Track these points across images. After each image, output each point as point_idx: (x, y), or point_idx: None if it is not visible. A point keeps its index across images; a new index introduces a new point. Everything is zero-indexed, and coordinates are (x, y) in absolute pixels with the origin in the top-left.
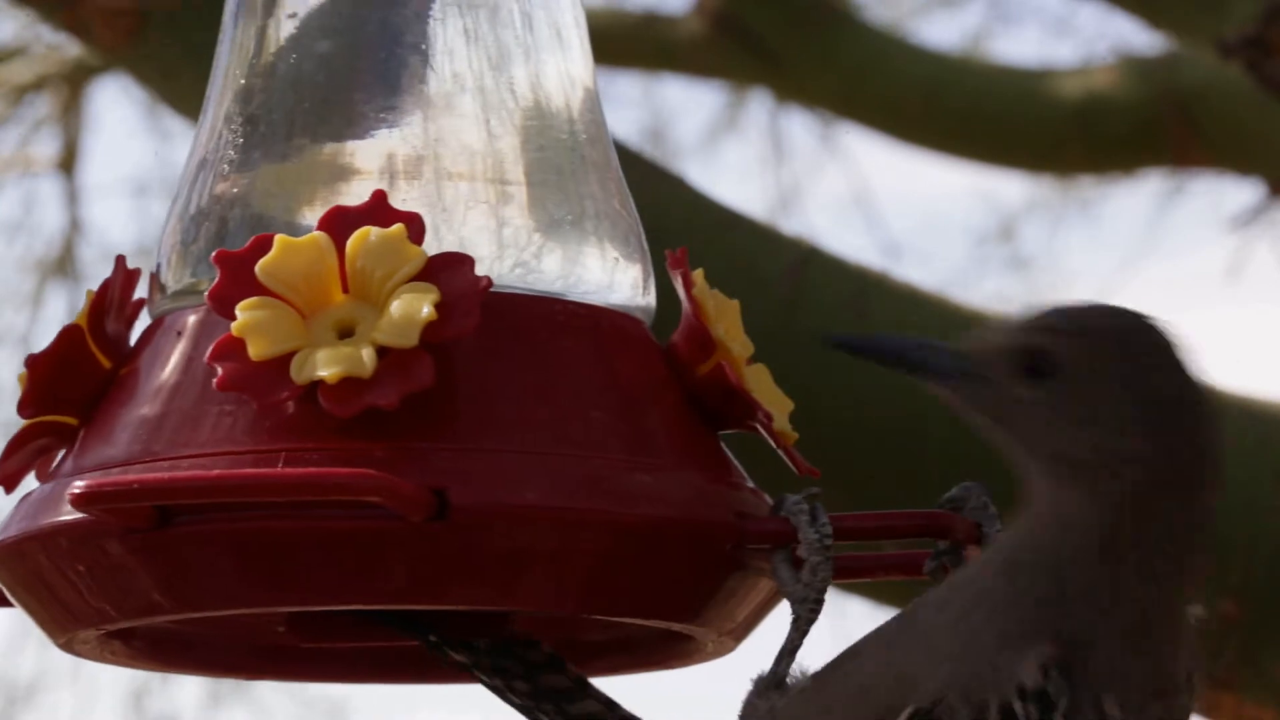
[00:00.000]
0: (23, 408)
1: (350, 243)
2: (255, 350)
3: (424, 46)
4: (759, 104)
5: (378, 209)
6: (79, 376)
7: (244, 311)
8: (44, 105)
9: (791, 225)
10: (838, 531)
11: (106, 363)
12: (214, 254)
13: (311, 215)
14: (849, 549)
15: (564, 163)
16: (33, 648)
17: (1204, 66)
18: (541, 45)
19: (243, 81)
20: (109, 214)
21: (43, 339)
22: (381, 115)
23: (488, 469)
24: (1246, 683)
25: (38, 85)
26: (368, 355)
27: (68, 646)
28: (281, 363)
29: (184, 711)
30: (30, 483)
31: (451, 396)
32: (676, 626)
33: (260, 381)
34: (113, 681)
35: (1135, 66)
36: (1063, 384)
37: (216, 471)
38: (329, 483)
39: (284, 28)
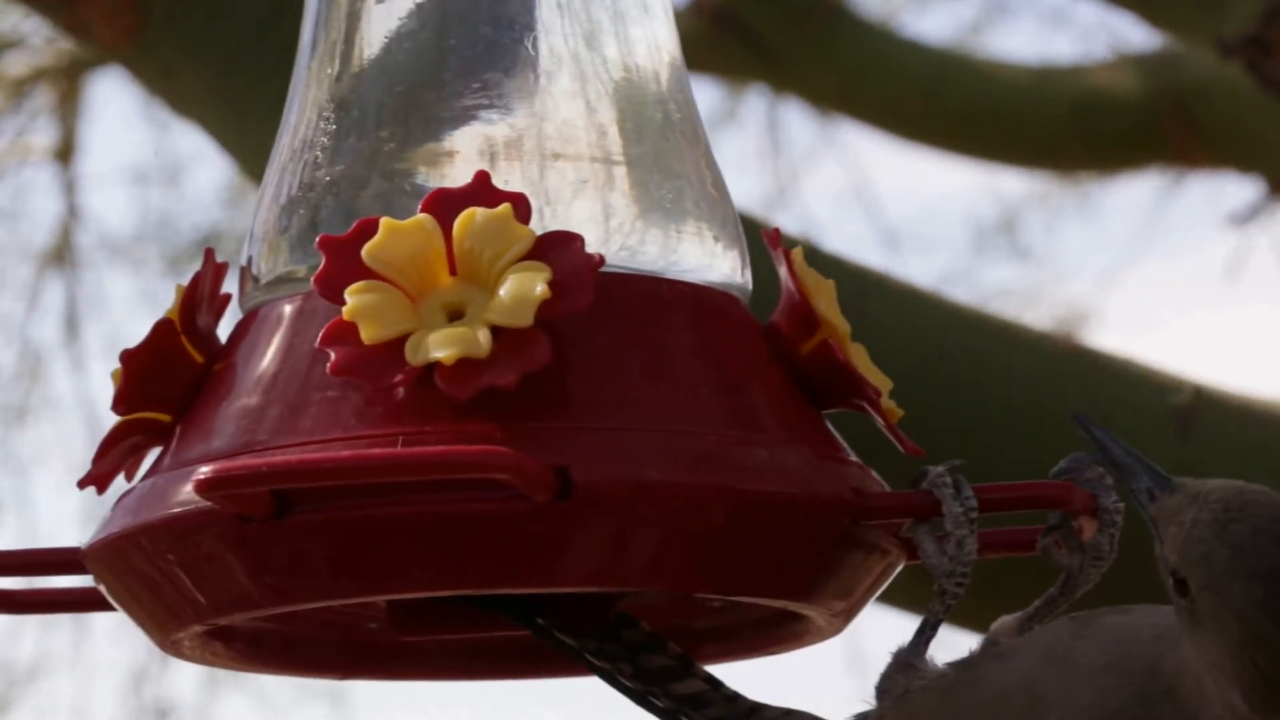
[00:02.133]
0: (118, 404)
1: (457, 224)
2: (368, 334)
3: (516, 23)
4: (757, 99)
5: (481, 190)
6: (172, 372)
7: (353, 295)
8: (42, 95)
9: (789, 221)
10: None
11: (199, 357)
12: (318, 239)
13: (408, 200)
14: None
15: (661, 141)
16: (31, 633)
17: (1204, 65)
18: (630, 16)
19: (332, 67)
20: (107, 203)
21: (41, 328)
22: (476, 96)
23: (608, 447)
24: None
25: (36, 75)
26: (483, 336)
27: (169, 647)
28: (394, 346)
29: (183, 697)
30: (120, 484)
31: (565, 376)
32: (793, 606)
33: (375, 365)
34: (112, 667)
35: (1135, 64)
36: (1191, 609)
37: (347, 452)
38: (462, 461)
39: (374, 12)
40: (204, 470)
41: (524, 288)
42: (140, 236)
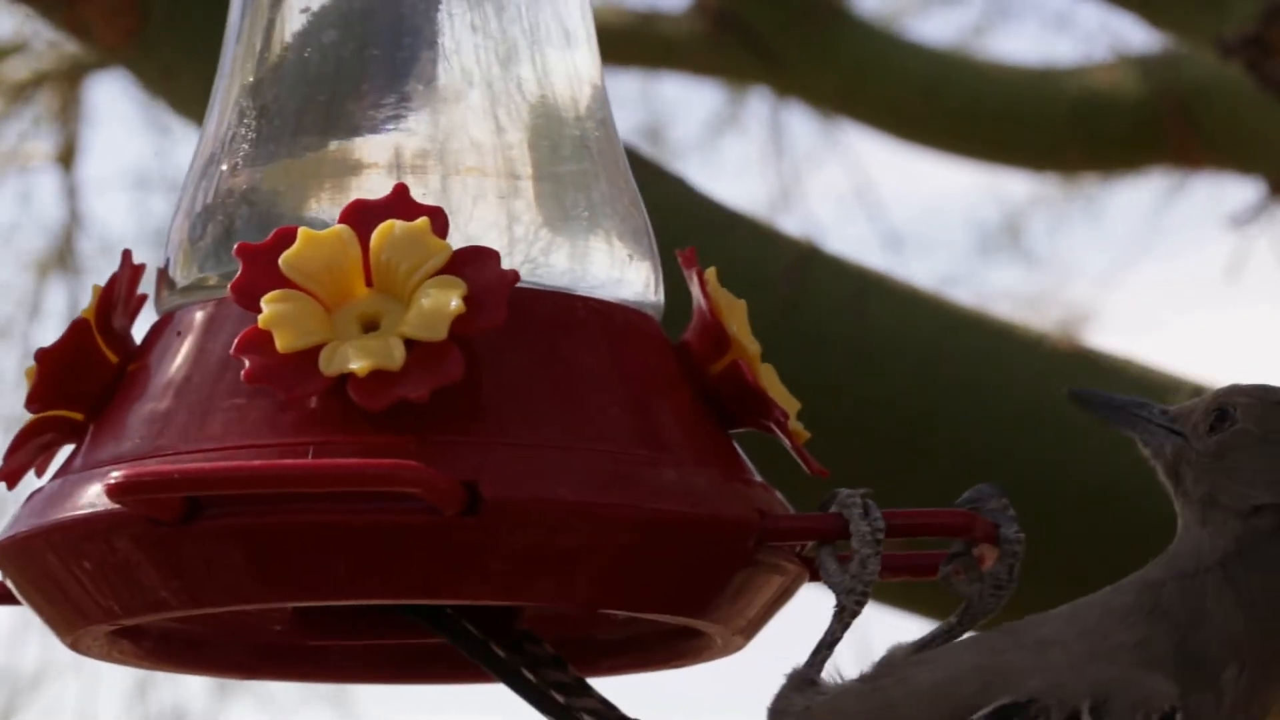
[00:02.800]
0: (31, 402)
1: (375, 236)
2: (283, 342)
3: (432, 40)
4: (759, 101)
5: (399, 202)
6: (87, 371)
7: (270, 304)
8: (43, 100)
9: (792, 222)
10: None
11: (113, 358)
12: (236, 247)
13: (319, 210)
14: None
15: (572, 159)
16: (36, 641)
17: (1204, 66)
18: (549, 40)
19: (250, 76)
20: (108, 208)
21: (43, 334)
22: (390, 110)
23: (517, 463)
24: None
25: (37, 80)
26: (397, 348)
27: (76, 645)
28: (309, 355)
29: (190, 705)
30: (30, 480)
31: (476, 390)
32: (695, 623)
33: (288, 374)
34: (117, 676)
35: (1135, 65)
36: (1229, 436)
37: (260, 461)
38: (372, 473)
39: (293, 21)
40: (115, 474)
41: (439, 302)
42: (142, 242)
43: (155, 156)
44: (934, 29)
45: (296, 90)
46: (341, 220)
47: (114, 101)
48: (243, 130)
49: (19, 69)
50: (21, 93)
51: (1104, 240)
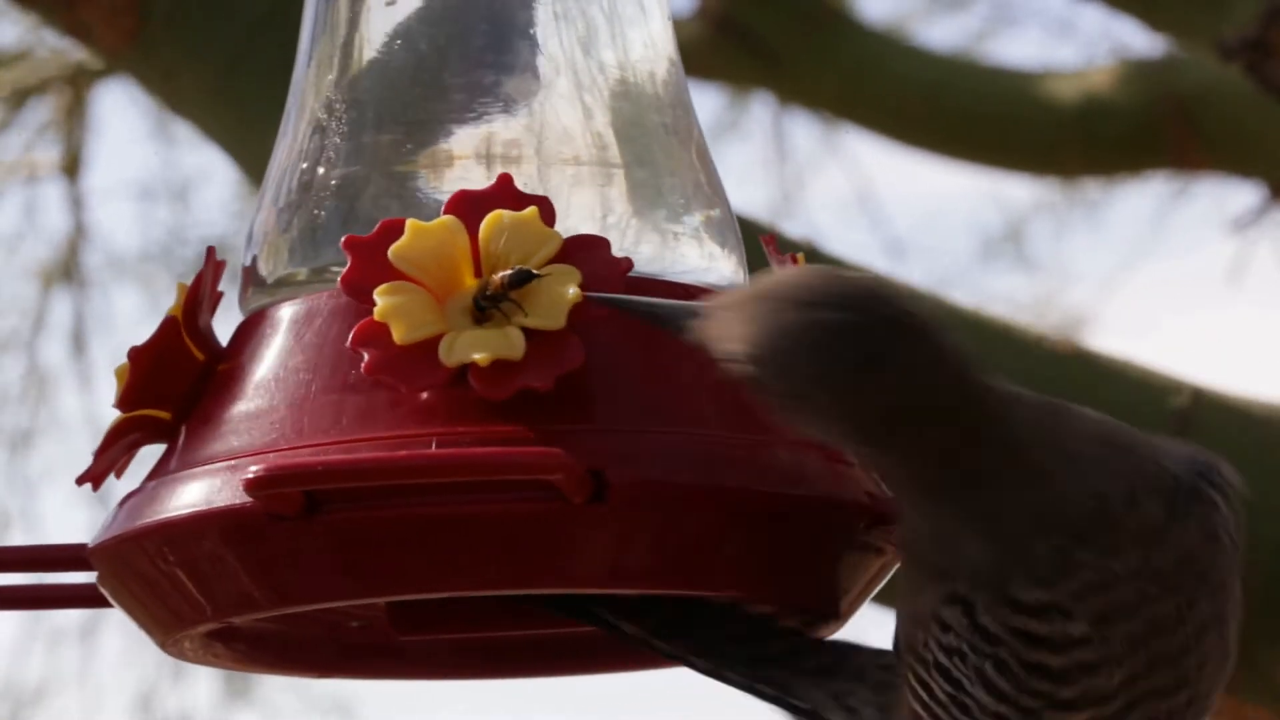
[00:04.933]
0: (123, 401)
1: (484, 226)
2: (400, 335)
3: (517, 27)
4: (761, 106)
5: (504, 192)
6: (175, 370)
7: (383, 296)
8: (47, 110)
9: (795, 228)
10: None
11: (200, 356)
12: (344, 239)
13: (409, 203)
14: None
15: (657, 144)
16: (39, 650)
17: (1204, 69)
18: (627, 18)
19: (334, 70)
20: (113, 218)
21: (48, 346)
22: (477, 100)
23: (639, 449)
24: (1244, 685)
25: (41, 89)
26: (517, 338)
27: (172, 647)
28: (426, 347)
29: (193, 715)
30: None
31: (592, 378)
32: (805, 608)
33: (409, 366)
34: (120, 687)
35: (1135, 69)
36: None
37: (405, 452)
38: (515, 462)
39: (374, 15)
40: (254, 467)
41: (557, 290)
42: (147, 253)
43: (155, 155)
44: (938, 35)
45: (381, 82)
46: (447, 211)
47: (119, 110)
48: (327, 124)
49: (23, 77)
50: (26, 101)
51: (1105, 244)
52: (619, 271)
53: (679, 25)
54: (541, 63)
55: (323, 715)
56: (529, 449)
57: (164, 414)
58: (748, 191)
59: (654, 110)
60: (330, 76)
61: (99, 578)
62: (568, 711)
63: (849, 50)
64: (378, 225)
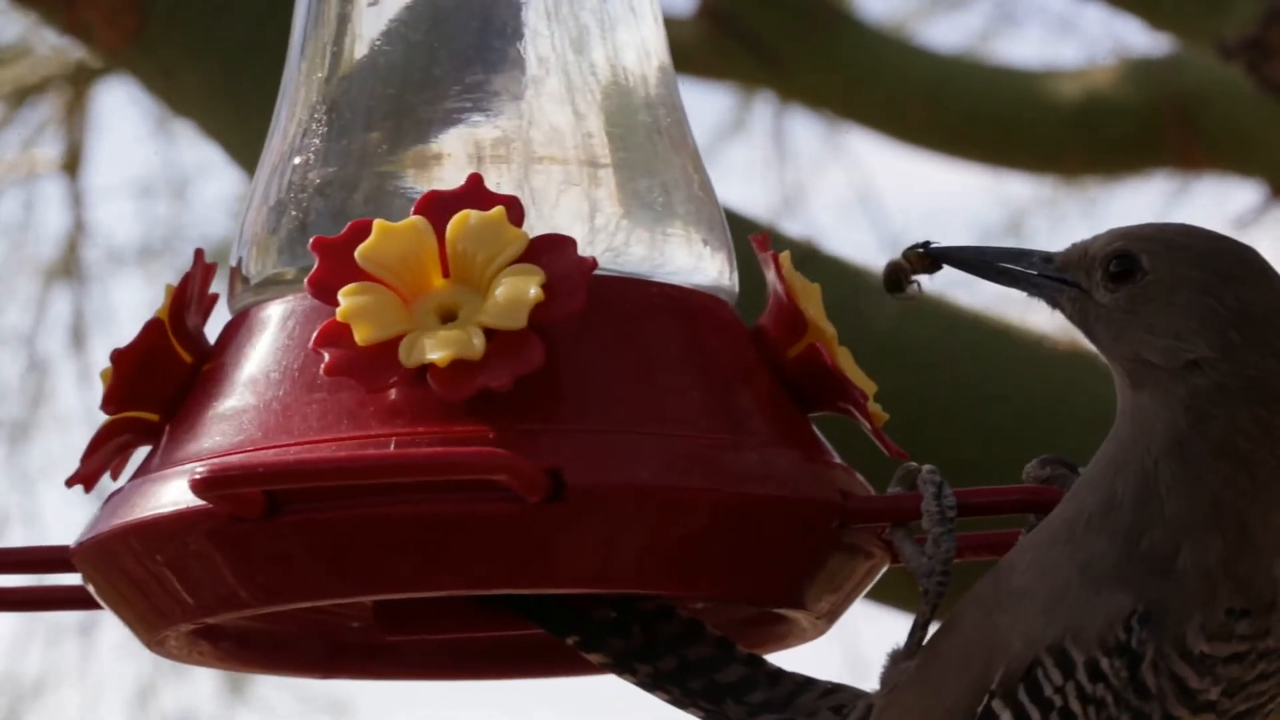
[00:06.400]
0: (107, 403)
1: (450, 226)
2: (362, 335)
3: (507, 28)
4: (763, 106)
5: (474, 192)
6: (162, 371)
7: (347, 297)
8: (47, 107)
9: (796, 227)
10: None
11: (188, 357)
12: (311, 240)
13: (397, 202)
14: None
15: (647, 145)
16: (38, 646)
17: (1205, 68)
18: (618, 20)
19: (322, 70)
20: (113, 216)
21: (47, 341)
22: (466, 100)
23: (600, 449)
24: None
25: (41, 87)
26: (477, 338)
27: (157, 646)
28: (388, 347)
29: (193, 713)
30: (107, 482)
31: (555, 378)
32: (780, 609)
33: (369, 366)
34: (119, 684)
35: (1136, 69)
36: (1141, 288)
37: (346, 453)
38: (461, 462)
39: (364, 14)
40: (199, 469)
41: (518, 290)
42: (147, 249)
43: (155, 155)
44: (939, 34)
45: (369, 82)
46: (416, 211)
47: (120, 108)
48: (316, 124)
49: (24, 74)
50: (26, 98)
51: None
52: (583, 271)
53: (680, 25)
54: (531, 63)
55: (319, 714)
56: (474, 449)
57: (152, 415)
58: (749, 191)
59: (644, 111)
60: (320, 76)
61: (83, 577)
62: (567, 711)
63: (850, 49)
64: (346, 226)
